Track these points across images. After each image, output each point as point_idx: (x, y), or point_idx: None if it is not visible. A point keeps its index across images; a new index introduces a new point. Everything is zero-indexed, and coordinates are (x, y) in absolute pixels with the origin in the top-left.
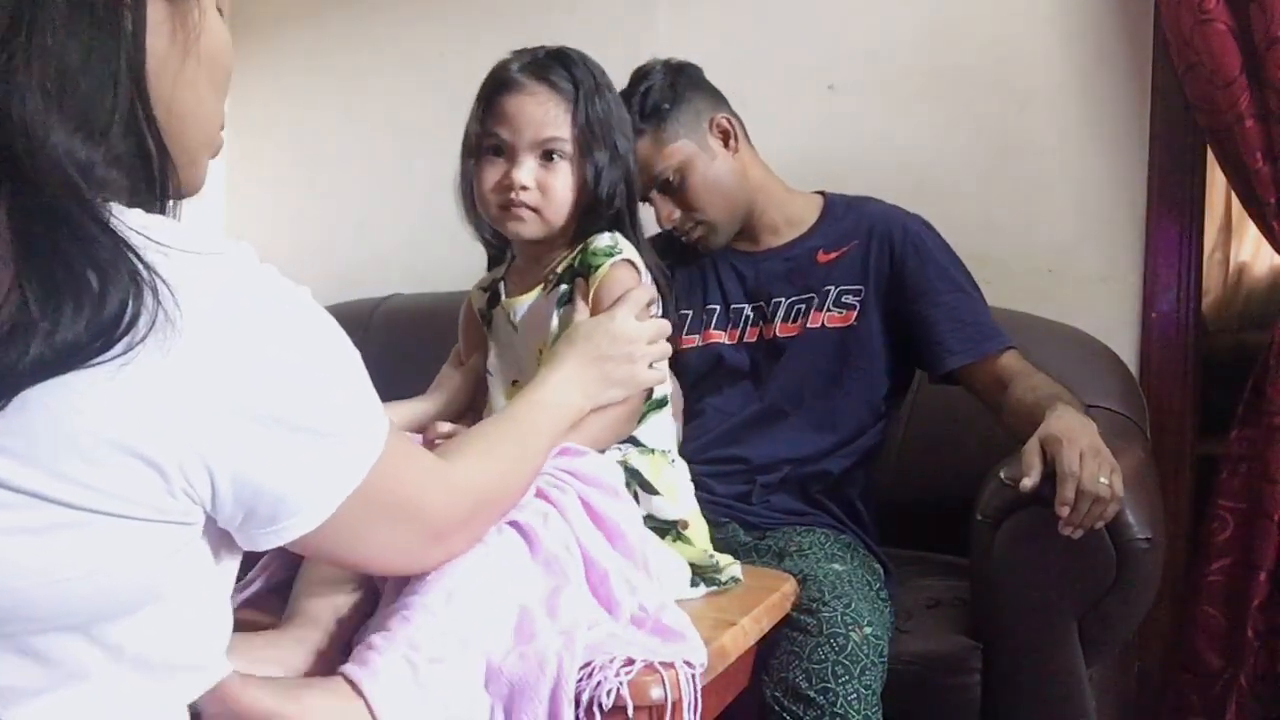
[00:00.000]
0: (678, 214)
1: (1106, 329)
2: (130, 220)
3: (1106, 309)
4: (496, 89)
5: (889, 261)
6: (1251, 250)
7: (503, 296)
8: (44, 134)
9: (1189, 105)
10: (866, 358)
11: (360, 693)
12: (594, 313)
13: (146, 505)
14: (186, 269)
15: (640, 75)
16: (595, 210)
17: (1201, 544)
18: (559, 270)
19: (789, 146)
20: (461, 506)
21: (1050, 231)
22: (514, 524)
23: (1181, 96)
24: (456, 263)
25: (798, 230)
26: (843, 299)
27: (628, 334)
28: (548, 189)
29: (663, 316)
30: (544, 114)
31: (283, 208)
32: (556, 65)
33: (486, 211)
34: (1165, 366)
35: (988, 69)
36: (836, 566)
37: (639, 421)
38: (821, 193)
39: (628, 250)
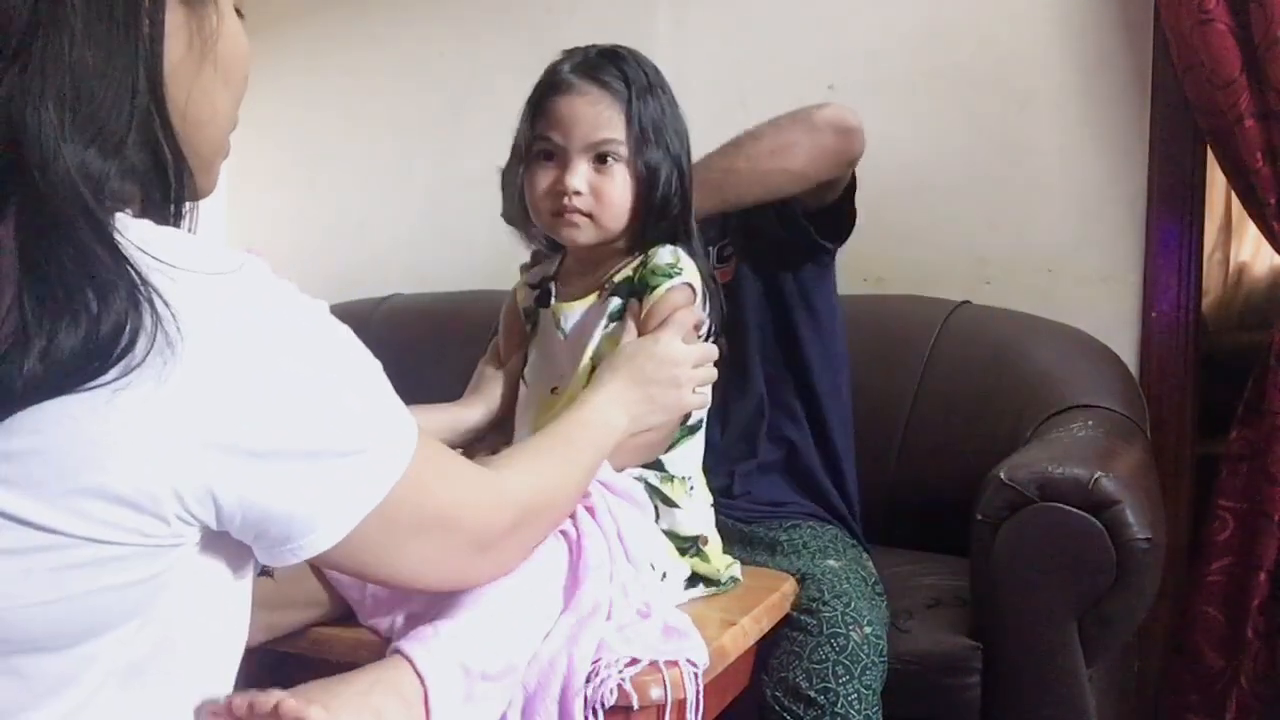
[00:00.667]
0: None
1: (1106, 329)
2: (138, 236)
3: (1106, 309)
4: (547, 91)
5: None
6: (1251, 250)
7: (553, 299)
8: (57, 146)
9: (1189, 105)
10: (751, 298)
11: (418, 673)
12: (641, 333)
13: (135, 531)
14: (192, 290)
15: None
16: (653, 214)
17: (1201, 544)
18: (615, 280)
19: None
20: (506, 517)
21: (1050, 231)
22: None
23: (1181, 96)
24: (456, 263)
25: None
26: (722, 254)
27: (673, 357)
28: (602, 194)
29: (711, 334)
30: (596, 115)
31: (283, 208)
32: (608, 64)
33: (539, 218)
34: (1165, 366)
35: (988, 69)
36: (832, 563)
37: (672, 446)
38: None
39: (688, 271)
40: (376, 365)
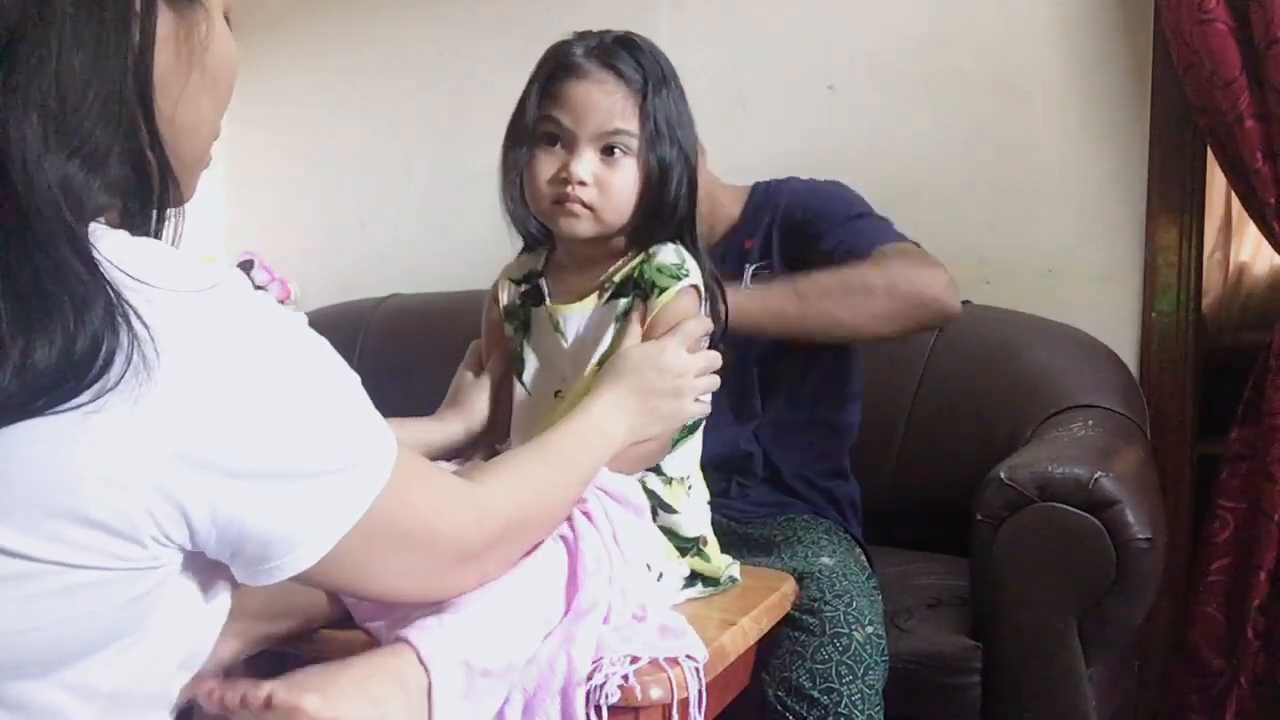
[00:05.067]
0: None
1: (1106, 329)
2: (114, 251)
3: (1106, 309)
4: (558, 73)
5: (788, 225)
6: (1251, 250)
7: (547, 300)
8: (39, 159)
9: (1189, 105)
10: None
11: (423, 662)
12: (647, 338)
13: (110, 555)
14: (168, 310)
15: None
16: (658, 214)
17: (1201, 544)
18: (616, 280)
19: (789, 147)
20: (489, 530)
21: (1050, 231)
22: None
23: (1181, 96)
24: (456, 263)
25: (728, 224)
26: (759, 274)
27: (676, 367)
28: (607, 186)
29: (714, 337)
30: (611, 104)
31: (283, 208)
32: (624, 52)
33: (538, 205)
34: (1165, 366)
35: (988, 69)
36: (826, 560)
37: (671, 448)
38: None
39: (694, 273)
40: (355, 379)
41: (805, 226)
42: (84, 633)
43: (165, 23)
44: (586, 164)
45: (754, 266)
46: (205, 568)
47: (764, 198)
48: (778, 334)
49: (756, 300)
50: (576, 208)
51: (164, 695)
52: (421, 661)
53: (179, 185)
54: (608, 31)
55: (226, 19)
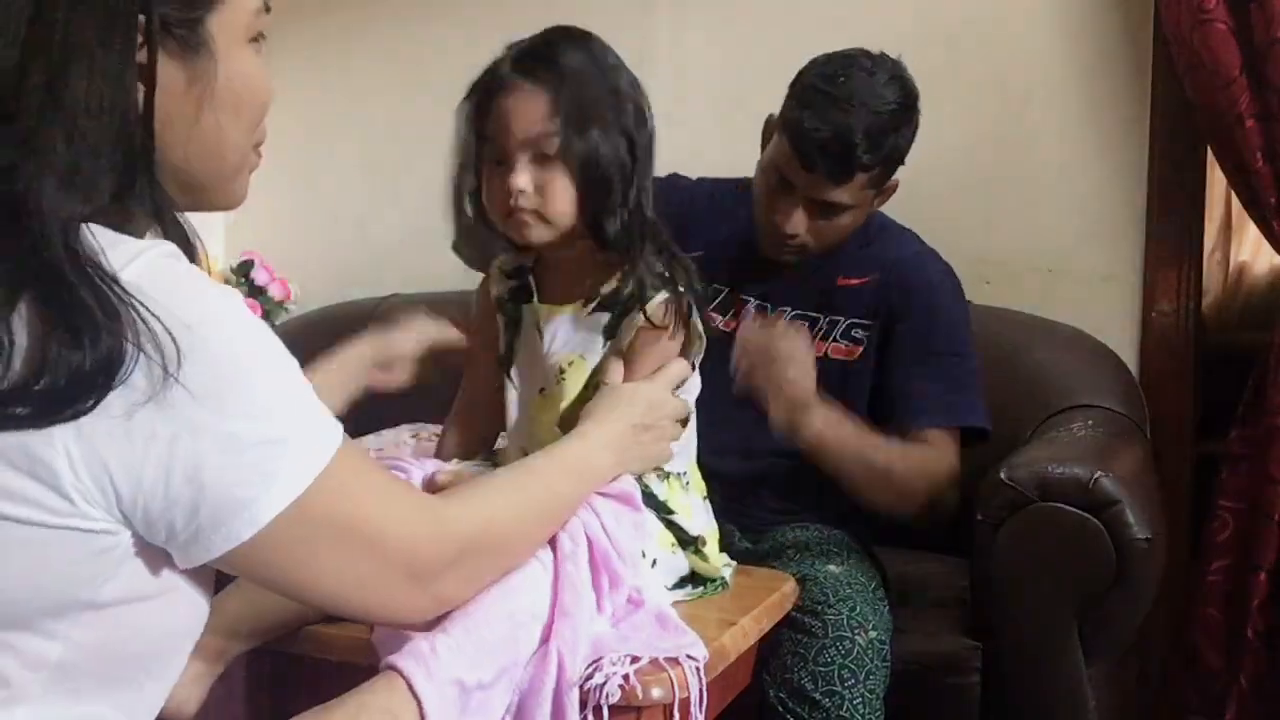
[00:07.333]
0: (801, 232)
1: (1106, 329)
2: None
3: (1106, 309)
4: (486, 91)
5: (901, 308)
6: (1251, 250)
7: (535, 298)
8: (53, 211)
9: (1189, 105)
10: (861, 392)
11: (415, 693)
12: (629, 355)
13: (36, 505)
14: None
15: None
16: (600, 203)
17: (1201, 544)
18: (602, 290)
19: None
20: (446, 546)
21: (1050, 231)
22: None
23: (1181, 96)
24: (456, 263)
25: None
26: (852, 332)
27: (666, 407)
28: (547, 190)
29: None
30: (530, 110)
31: (283, 208)
32: (543, 52)
33: (498, 223)
34: (1165, 366)
35: (987, 68)
36: (832, 568)
37: None
38: None
39: (680, 281)
40: (293, 361)
41: (908, 335)
42: (26, 591)
43: (168, 73)
44: (522, 174)
45: (848, 322)
46: (162, 566)
47: (876, 239)
48: (822, 466)
49: (833, 436)
50: (525, 217)
51: (118, 683)
52: (414, 693)
53: (210, 194)
54: (537, 35)
55: (261, 38)
